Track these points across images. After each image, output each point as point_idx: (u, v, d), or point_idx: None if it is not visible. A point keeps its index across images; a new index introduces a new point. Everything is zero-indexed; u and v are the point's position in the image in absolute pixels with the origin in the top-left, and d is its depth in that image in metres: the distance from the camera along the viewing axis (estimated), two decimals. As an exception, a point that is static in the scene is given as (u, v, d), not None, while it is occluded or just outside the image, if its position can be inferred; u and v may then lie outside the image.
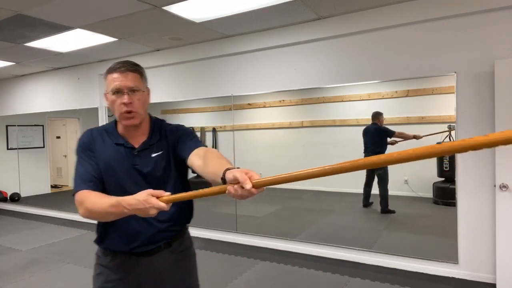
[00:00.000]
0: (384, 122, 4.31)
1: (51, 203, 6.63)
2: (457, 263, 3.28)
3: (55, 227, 5.71)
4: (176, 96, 4.96)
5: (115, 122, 1.52)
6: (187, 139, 1.48)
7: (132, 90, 1.39)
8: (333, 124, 4.84)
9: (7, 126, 7.24)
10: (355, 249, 3.76)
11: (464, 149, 0.75)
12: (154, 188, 1.18)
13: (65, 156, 8.39)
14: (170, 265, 1.48)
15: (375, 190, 4.51)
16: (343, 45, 3.76)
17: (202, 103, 5.82)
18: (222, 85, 4.55)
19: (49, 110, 6.28)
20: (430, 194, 4.24)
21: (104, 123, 1.73)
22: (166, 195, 1.14)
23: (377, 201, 4.47)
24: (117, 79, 1.38)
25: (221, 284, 3.36)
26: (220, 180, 1.07)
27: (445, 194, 4.00)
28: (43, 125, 7.48)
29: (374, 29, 3.55)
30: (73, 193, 1.36)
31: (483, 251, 3.16)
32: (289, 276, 3.48)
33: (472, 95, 3.16)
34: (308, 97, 5.11)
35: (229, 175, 1.02)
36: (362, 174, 4.53)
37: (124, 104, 1.37)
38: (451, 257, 3.30)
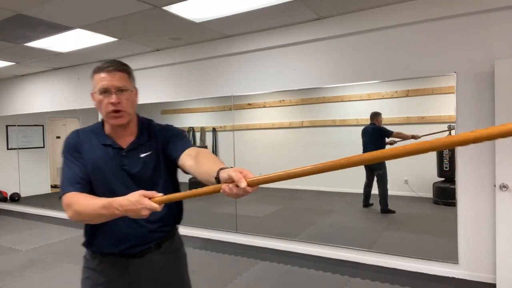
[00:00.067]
0: (385, 122, 4.31)
1: (51, 203, 6.63)
2: (457, 263, 3.28)
3: (55, 227, 5.71)
4: (176, 96, 4.96)
5: (102, 123, 1.49)
6: (177, 139, 1.47)
7: (120, 90, 1.37)
8: (333, 124, 4.84)
9: (7, 126, 7.24)
10: (355, 249, 3.76)
11: (459, 143, 0.75)
12: (143, 189, 1.18)
13: (65, 156, 8.37)
14: (161, 266, 1.47)
15: (375, 190, 4.51)
16: (343, 45, 3.76)
17: (202, 103, 5.82)
18: (222, 85, 4.55)
19: (49, 110, 6.28)
20: (430, 194, 4.24)
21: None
22: (159, 196, 1.13)
23: (377, 201, 4.47)
24: (104, 79, 1.35)
25: (221, 284, 3.36)
26: (214, 180, 1.07)
27: (445, 194, 4.00)
28: (43, 125, 7.47)
29: (374, 29, 3.55)
30: (59, 195, 1.33)
31: (483, 251, 3.16)
32: (289, 276, 3.48)
33: (472, 95, 3.16)
34: (308, 97, 5.11)
35: (223, 174, 1.03)
36: (362, 174, 4.54)
37: (112, 104, 1.35)
38: (451, 257, 3.30)
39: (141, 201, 1.11)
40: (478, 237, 3.19)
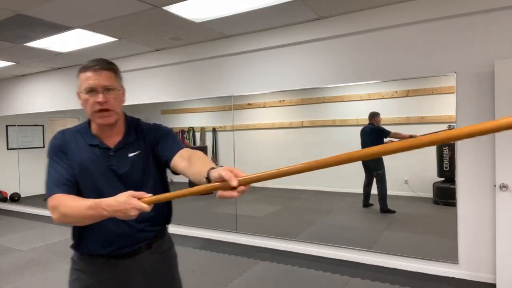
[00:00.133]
0: (385, 122, 4.31)
1: (51, 203, 6.62)
2: (457, 263, 3.28)
3: (55, 227, 5.71)
4: (176, 96, 4.96)
5: (88, 122, 1.46)
6: (167, 139, 1.45)
7: (106, 89, 1.34)
8: (333, 124, 4.84)
9: (7, 126, 7.25)
10: (355, 249, 3.76)
11: (454, 138, 0.77)
12: (132, 190, 1.17)
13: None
14: (151, 267, 1.45)
15: (375, 190, 4.51)
16: (343, 45, 3.76)
17: (202, 103, 5.82)
18: (222, 85, 4.55)
19: (49, 110, 6.28)
20: (430, 194, 4.23)
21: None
22: (147, 196, 1.12)
23: (377, 201, 4.47)
24: (90, 78, 1.33)
25: (221, 284, 3.35)
26: (205, 180, 1.07)
27: (445, 194, 4.00)
28: (43, 125, 7.48)
29: (374, 29, 3.55)
30: (45, 197, 1.30)
31: (483, 251, 3.16)
32: (289, 276, 3.48)
33: (472, 95, 3.16)
34: (308, 97, 5.11)
35: (214, 174, 1.03)
36: (362, 174, 4.54)
37: (99, 103, 1.32)
38: (451, 257, 3.30)
39: (130, 202, 1.09)
40: (478, 237, 3.19)
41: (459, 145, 3.26)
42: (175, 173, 1.38)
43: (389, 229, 4.25)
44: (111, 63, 1.40)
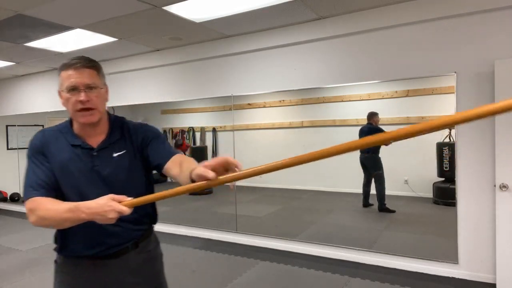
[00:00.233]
0: (385, 122, 4.32)
1: (51, 203, 6.62)
2: (457, 263, 3.28)
3: (55, 227, 5.71)
4: (176, 96, 4.96)
5: (70, 121, 1.42)
6: (158, 142, 1.42)
7: (89, 87, 1.30)
8: (333, 124, 4.84)
9: (7, 126, 7.24)
10: (355, 249, 3.76)
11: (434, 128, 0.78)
12: (116, 190, 1.17)
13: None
14: (138, 266, 1.43)
15: (374, 190, 4.52)
16: (343, 45, 3.76)
17: (202, 103, 5.82)
18: (222, 85, 4.55)
19: (49, 110, 6.28)
20: (430, 194, 4.23)
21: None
22: (128, 199, 1.13)
23: (375, 201, 4.48)
24: (72, 76, 1.28)
25: (221, 284, 3.35)
26: (190, 182, 1.09)
27: (445, 194, 4.00)
28: (43, 125, 7.47)
29: (374, 29, 3.55)
30: (23, 199, 1.29)
31: (483, 251, 3.16)
32: (289, 276, 3.48)
33: (472, 95, 3.16)
34: (308, 97, 5.11)
35: (193, 175, 1.06)
36: (361, 175, 4.54)
37: (81, 102, 1.28)
38: (451, 257, 3.30)
39: (109, 204, 1.09)
40: (478, 237, 3.19)
41: (459, 145, 3.26)
42: (163, 176, 1.37)
43: (389, 229, 4.25)
44: (93, 61, 1.35)
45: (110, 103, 6.06)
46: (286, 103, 5.34)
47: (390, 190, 4.46)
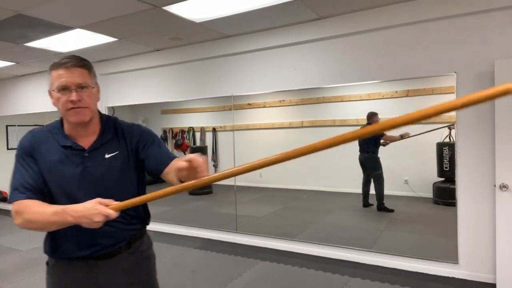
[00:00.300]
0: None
1: (51, 203, 6.62)
2: (457, 263, 3.28)
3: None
4: (176, 96, 4.96)
5: (60, 122, 1.38)
6: (155, 147, 1.41)
7: (80, 87, 1.27)
8: (333, 124, 4.84)
9: (7, 126, 7.25)
10: (355, 249, 3.76)
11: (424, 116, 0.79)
12: (108, 192, 1.15)
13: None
14: (131, 266, 1.42)
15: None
16: (343, 45, 3.76)
17: (202, 103, 5.82)
18: (222, 85, 4.55)
19: (49, 110, 6.28)
20: (430, 194, 4.24)
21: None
22: (115, 203, 1.13)
23: (375, 201, 4.49)
24: (63, 75, 1.26)
25: (221, 284, 3.36)
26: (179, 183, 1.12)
27: (445, 194, 4.00)
28: (43, 125, 7.47)
29: (374, 29, 3.55)
30: (9, 201, 1.27)
31: (483, 251, 3.16)
32: (289, 276, 3.48)
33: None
34: (308, 97, 5.11)
35: (178, 173, 1.11)
36: (361, 175, 4.54)
37: (72, 101, 1.26)
38: (451, 257, 3.30)
39: (96, 207, 1.10)
40: (478, 237, 3.19)
41: (459, 145, 3.26)
42: (155, 177, 1.38)
43: (389, 229, 4.25)
44: (84, 60, 1.33)
45: (110, 103, 6.08)
46: (286, 103, 5.34)
47: (390, 190, 4.46)
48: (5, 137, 7.27)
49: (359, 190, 4.61)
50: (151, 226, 5.01)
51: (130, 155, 1.40)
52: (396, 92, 4.27)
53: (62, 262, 1.37)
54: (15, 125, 7.21)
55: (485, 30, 3.08)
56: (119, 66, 5.31)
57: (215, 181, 1.08)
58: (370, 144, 4.43)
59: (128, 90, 5.36)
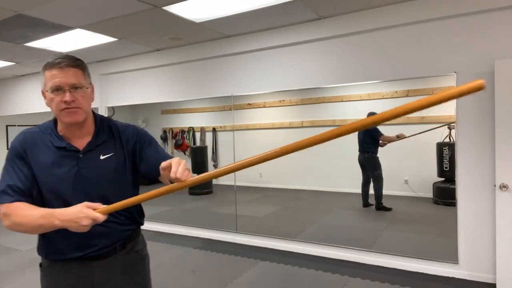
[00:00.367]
0: (385, 122, 4.34)
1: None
2: (457, 263, 3.28)
3: (55, 227, 5.71)
4: (176, 96, 4.96)
5: (54, 122, 1.36)
6: (152, 149, 1.40)
7: (74, 87, 1.25)
8: (333, 124, 4.84)
9: (7, 126, 7.24)
10: (355, 249, 3.76)
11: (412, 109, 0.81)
12: (102, 194, 1.15)
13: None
14: (126, 267, 1.42)
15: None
16: (343, 45, 3.76)
17: (202, 103, 5.82)
18: (222, 85, 4.55)
19: (49, 110, 6.27)
20: (430, 194, 4.24)
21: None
22: (103, 207, 1.13)
23: (374, 200, 4.50)
24: (56, 76, 1.24)
25: (221, 284, 3.36)
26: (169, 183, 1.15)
27: (445, 194, 4.01)
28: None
29: (374, 29, 3.55)
30: None
31: (483, 251, 3.16)
32: (289, 276, 3.48)
33: (472, 95, 3.14)
34: (308, 97, 5.11)
35: (162, 173, 1.15)
36: (361, 175, 4.55)
37: (66, 102, 1.24)
38: (451, 257, 3.30)
39: (84, 211, 1.10)
40: (478, 237, 3.19)
41: (459, 145, 3.26)
42: (148, 179, 1.38)
43: (389, 229, 4.26)
44: (78, 60, 1.31)
45: (110, 103, 6.08)
46: (286, 103, 5.34)
47: (390, 190, 4.47)
48: (5, 137, 7.26)
49: (359, 190, 4.61)
50: (152, 226, 5.02)
51: (126, 157, 1.39)
52: (396, 92, 4.27)
53: (56, 264, 1.36)
54: (15, 125, 7.20)
55: (485, 30, 3.08)
56: (119, 66, 5.31)
57: (198, 183, 1.11)
58: (369, 144, 4.45)
59: (128, 90, 5.36)
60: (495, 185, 3.00)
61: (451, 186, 3.47)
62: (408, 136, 4.18)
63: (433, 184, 4.19)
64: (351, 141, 4.59)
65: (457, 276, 3.27)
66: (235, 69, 4.45)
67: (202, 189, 6.09)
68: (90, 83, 1.36)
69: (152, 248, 4.91)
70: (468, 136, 3.20)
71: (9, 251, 4.54)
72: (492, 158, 3.05)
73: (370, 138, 4.45)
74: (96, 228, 1.22)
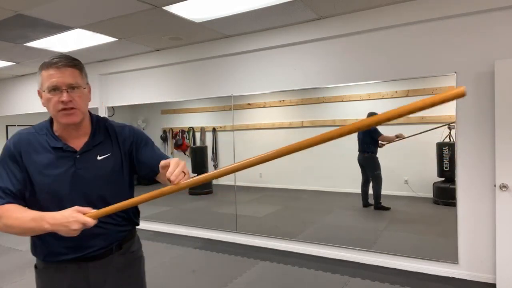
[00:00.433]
0: (386, 123, 4.35)
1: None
2: (457, 263, 3.28)
3: (55, 227, 5.71)
4: (176, 96, 4.96)
5: (50, 122, 1.36)
6: (148, 149, 1.40)
7: (71, 87, 1.25)
8: (333, 124, 4.84)
9: (7, 126, 7.25)
10: (355, 249, 3.76)
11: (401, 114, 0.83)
12: (99, 194, 1.15)
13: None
14: (122, 267, 1.41)
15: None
16: (343, 45, 3.76)
17: (202, 103, 5.82)
18: (222, 85, 4.55)
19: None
20: (430, 194, 4.24)
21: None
22: (93, 211, 1.14)
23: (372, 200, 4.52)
24: (53, 76, 1.24)
25: (221, 284, 3.36)
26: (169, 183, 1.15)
27: (445, 194, 4.00)
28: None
29: (374, 29, 3.55)
30: None
31: (483, 251, 3.16)
32: (289, 276, 3.48)
33: (472, 95, 3.16)
34: (308, 97, 5.11)
35: (162, 171, 1.15)
36: (361, 175, 4.55)
37: (63, 102, 1.23)
38: (451, 257, 3.30)
39: (74, 215, 1.10)
40: (478, 237, 3.19)
41: (459, 145, 3.26)
42: (146, 179, 1.38)
43: (389, 229, 4.26)
44: (75, 60, 1.30)
45: (110, 103, 6.08)
46: (286, 103, 5.34)
47: (390, 190, 4.47)
48: (5, 137, 7.26)
49: (359, 190, 4.61)
50: (152, 226, 5.02)
51: (123, 157, 1.39)
52: (396, 92, 4.27)
53: (51, 265, 1.35)
54: (15, 125, 7.21)
55: (485, 30, 3.08)
56: (119, 66, 5.31)
57: (191, 186, 1.11)
58: (369, 144, 4.46)
59: (128, 90, 5.36)
60: (495, 185, 3.00)
61: (451, 186, 3.47)
62: (408, 137, 4.18)
63: (433, 184, 4.19)
64: (351, 141, 4.59)
65: (457, 276, 3.27)
66: (235, 69, 4.45)
67: (202, 189, 6.09)
68: (87, 83, 1.36)
69: (152, 248, 4.91)
70: (468, 136, 3.20)
71: (9, 251, 4.54)
72: (492, 158, 3.05)
73: (369, 138, 4.46)
74: (93, 229, 1.21)
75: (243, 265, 3.79)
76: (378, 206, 4.46)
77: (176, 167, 1.11)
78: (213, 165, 6.19)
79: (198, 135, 6.47)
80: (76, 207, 1.13)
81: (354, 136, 4.49)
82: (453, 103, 3.24)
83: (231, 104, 4.73)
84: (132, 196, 1.44)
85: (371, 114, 4.36)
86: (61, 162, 1.29)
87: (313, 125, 5.13)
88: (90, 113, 1.40)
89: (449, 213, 3.41)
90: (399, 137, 4.27)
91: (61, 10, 3.30)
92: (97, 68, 5.43)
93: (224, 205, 5.26)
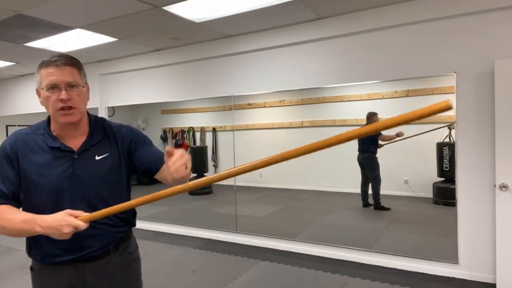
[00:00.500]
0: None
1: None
2: (457, 263, 3.28)
3: (55, 227, 5.71)
4: (176, 96, 4.96)
5: (47, 122, 1.35)
6: (147, 147, 1.40)
7: (70, 86, 1.24)
8: (333, 124, 4.84)
9: (7, 126, 7.24)
10: (355, 249, 3.76)
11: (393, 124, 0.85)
12: (97, 194, 1.15)
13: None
14: (119, 268, 1.41)
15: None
16: (343, 45, 3.76)
17: (202, 103, 5.82)
18: (222, 85, 4.55)
19: (49, 110, 6.28)
20: (430, 194, 4.23)
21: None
22: (85, 214, 1.14)
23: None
24: (52, 74, 1.23)
25: (221, 284, 3.35)
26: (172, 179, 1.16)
27: (445, 194, 4.00)
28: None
29: (374, 29, 3.55)
30: None
31: (483, 251, 3.16)
32: (289, 276, 3.48)
33: (472, 95, 3.16)
34: (308, 97, 5.11)
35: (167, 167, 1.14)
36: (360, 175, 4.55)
37: (62, 100, 1.23)
38: (451, 257, 3.30)
39: (65, 219, 1.10)
40: (478, 237, 3.19)
41: (459, 145, 3.26)
42: (145, 176, 1.38)
43: (389, 229, 4.25)
44: (74, 58, 1.30)
45: (110, 103, 6.08)
46: (286, 103, 5.34)
47: (390, 190, 4.47)
48: (5, 137, 7.26)
49: (359, 190, 4.61)
50: (152, 226, 5.02)
51: (121, 157, 1.38)
52: (396, 92, 4.27)
53: (47, 267, 1.34)
54: (15, 125, 7.20)
55: (485, 30, 3.08)
56: (119, 66, 5.30)
57: (199, 187, 1.08)
58: (369, 144, 4.46)
59: (128, 90, 5.36)
60: (495, 185, 3.00)
61: (451, 186, 3.47)
62: (408, 137, 4.17)
63: (433, 184, 4.18)
64: (351, 141, 4.58)
65: (457, 276, 3.27)
66: (235, 69, 4.45)
67: (202, 189, 6.08)
68: (86, 83, 1.35)
69: (152, 248, 4.92)
70: (468, 136, 3.20)
71: (9, 251, 4.54)
72: (492, 158, 3.05)
73: (369, 138, 4.45)
74: (90, 230, 1.21)
75: (243, 265, 3.78)
76: (378, 206, 4.46)
77: (180, 159, 1.11)
78: (213, 165, 6.18)
79: (198, 135, 6.46)
80: (68, 211, 1.13)
81: (354, 136, 4.49)
82: (453, 103, 3.24)
83: (231, 104, 4.73)
84: (129, 197, 1.44)
85: (370, 114, 4.36)
86: (59, 162, 1.29)
87: (313, 125, 5.13)
88: (88, 113, 1.41)
89: (449, 213, 3.41)
90: (399, 135, 4.26)
91: (61, 10, 3.30)
92: (97, 68, 5.43)
93: (224, 205, 5.26)
